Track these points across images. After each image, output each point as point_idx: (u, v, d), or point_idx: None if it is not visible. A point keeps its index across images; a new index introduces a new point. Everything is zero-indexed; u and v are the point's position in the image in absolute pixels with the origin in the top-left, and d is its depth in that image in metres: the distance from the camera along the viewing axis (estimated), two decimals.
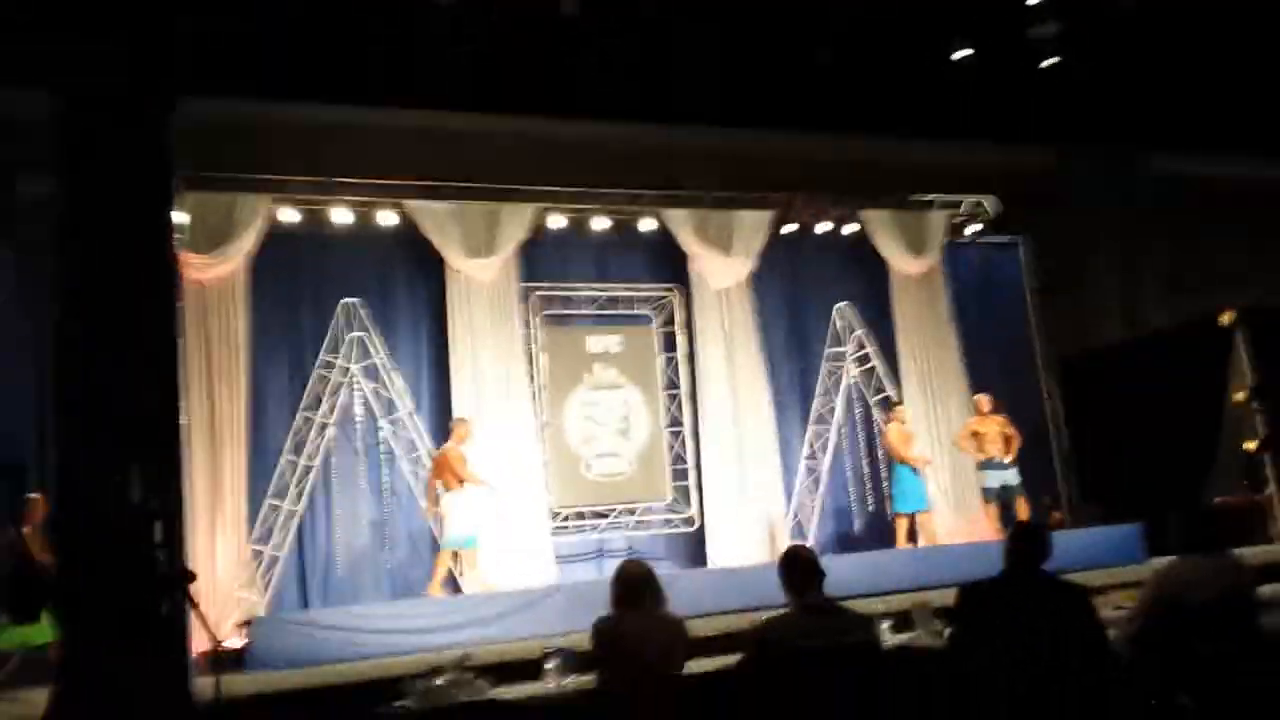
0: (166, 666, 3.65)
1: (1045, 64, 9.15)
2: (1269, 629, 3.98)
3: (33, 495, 6.73)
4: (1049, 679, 3.49)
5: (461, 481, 8.69)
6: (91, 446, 3.73)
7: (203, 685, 4.13)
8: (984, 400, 10.25)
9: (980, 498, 10.29)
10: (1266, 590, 5.61)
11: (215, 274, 8.88)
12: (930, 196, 11.41)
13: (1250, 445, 10.16)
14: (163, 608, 3.65)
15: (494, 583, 8.87)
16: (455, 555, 8.96)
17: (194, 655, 5.65)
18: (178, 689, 3.69)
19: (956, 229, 11.71)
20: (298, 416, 9.20)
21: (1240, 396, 10.29)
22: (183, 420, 4.10)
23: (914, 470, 9.98)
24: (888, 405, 10.88)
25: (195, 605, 3.87)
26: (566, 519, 10.04)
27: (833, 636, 3.68)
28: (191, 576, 3.89)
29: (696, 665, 4.16)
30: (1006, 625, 3.67)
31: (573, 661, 4.42)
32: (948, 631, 4.28)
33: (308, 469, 9.12)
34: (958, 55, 8.98)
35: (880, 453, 11.07)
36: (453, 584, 9.23)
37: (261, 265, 9.17)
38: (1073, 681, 3.51)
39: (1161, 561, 4.41)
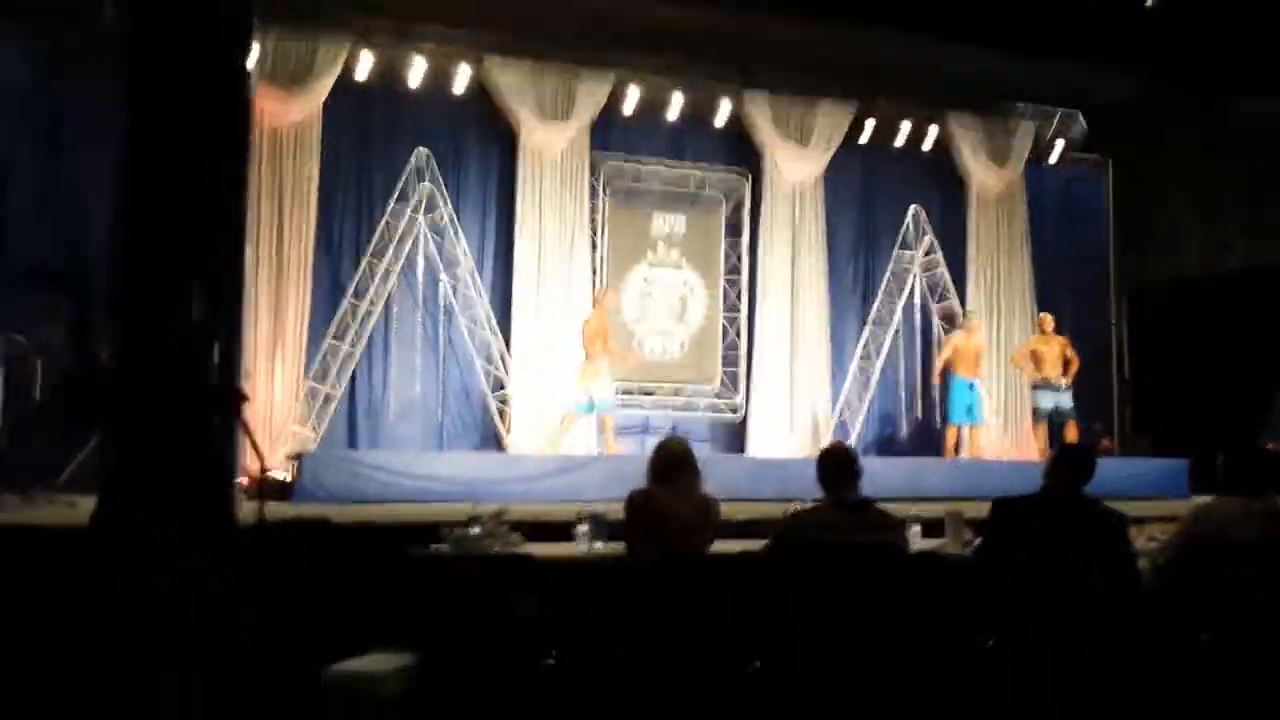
0: (211, 485, 3.76)
1: None
2: None
3: None
4: (1071, 598, 3.51)
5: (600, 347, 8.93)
6: (155, 264, 3.78)
7: (247, 509, 4.29)
8: (1048, 320, 10.15)
9: (1031, 417, 10.26)
10: None
11: (290, 114, 8.92)
12: (1019, 105, 11.05)
13: None
14: (213, 426, 3.73)
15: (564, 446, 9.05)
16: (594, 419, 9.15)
17: (242, 482, 5.86)
18: (221, 508, 3.81)
19: (1041, 145, 11.35)
20: (363, 261, 9.29)
21: None
22: (248, 252, 4.14)
23: (970, 383, 9.92)
24: (950, 316, 10.77)
25: (246, 427, 3.97)
26: (614, 393, 10.10)
27: (860, 533, 3.71)
28: (244, 397, 3.97)
29: (724, 547, 4.21)
30: (1036, 541, 3.68)
31: (603, 528, 4.50)
32: (977, 542, 4.30)
33: (369, 314, 9.25)
34: None
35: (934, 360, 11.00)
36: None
37: (337, 112, 9.20)
38: (1094, 604, 3.52)
39: (1204, 499, 4.37)
